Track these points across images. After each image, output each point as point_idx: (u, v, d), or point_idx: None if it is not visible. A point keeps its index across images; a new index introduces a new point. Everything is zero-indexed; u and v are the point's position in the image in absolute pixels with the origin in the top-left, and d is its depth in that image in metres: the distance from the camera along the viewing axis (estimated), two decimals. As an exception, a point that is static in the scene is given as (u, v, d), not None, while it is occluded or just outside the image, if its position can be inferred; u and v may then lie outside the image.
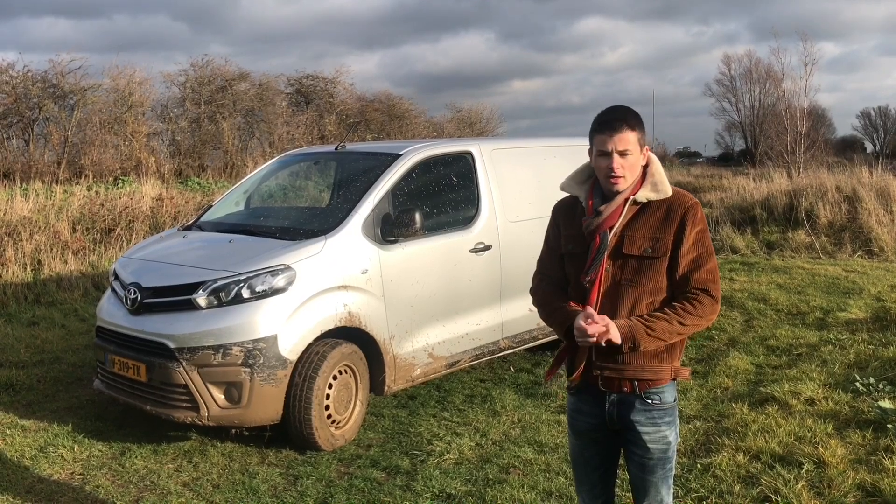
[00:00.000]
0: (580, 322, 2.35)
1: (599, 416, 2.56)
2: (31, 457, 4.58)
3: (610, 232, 2.47)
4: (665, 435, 2.52)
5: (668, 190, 2.49)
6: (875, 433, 4.59)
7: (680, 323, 2.40)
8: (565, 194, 2.68)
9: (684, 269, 2.43)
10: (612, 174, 2.45)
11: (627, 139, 2.43)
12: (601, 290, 2.47)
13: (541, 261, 2.70)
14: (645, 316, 2.41)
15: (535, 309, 2.70)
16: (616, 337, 2.35)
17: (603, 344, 2.36)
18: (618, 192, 2.49)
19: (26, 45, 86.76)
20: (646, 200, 2.49)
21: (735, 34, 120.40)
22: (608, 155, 2.44)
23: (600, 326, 2.33)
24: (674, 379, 2.53)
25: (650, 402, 2.50)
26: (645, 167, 2.54)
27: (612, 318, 2.42)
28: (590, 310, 2.37)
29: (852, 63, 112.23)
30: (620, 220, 2.48)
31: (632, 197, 2.48)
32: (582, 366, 2.51)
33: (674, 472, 2.61)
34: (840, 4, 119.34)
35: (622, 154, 2.43)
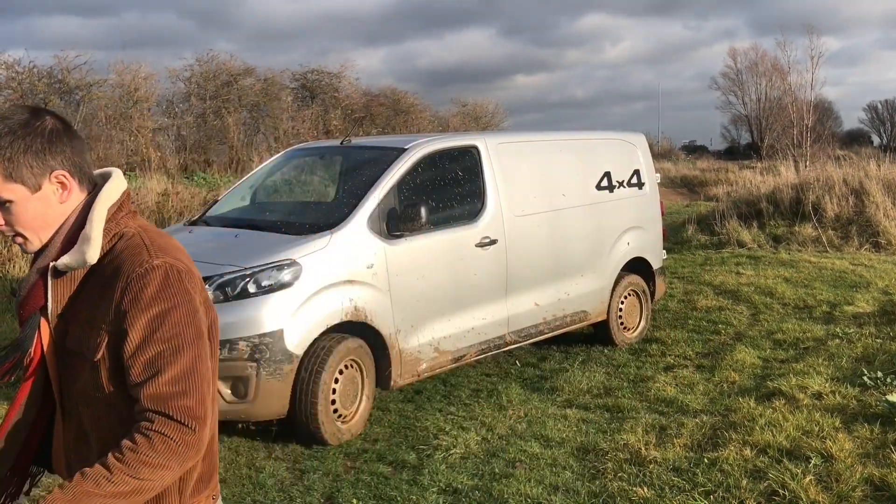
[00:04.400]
0: None
1: None
2: (38, 451, 4.60)
3: (40, 317, 1.58)
4: None
5: (94, 254, 1.55)
6: (883, 427, 4.57)
7: (122, 474, 1.44)
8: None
9: (133, 379, 1.51)
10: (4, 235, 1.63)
11: None
12: (36, 410, 1.65)
13: None
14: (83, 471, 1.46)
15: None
16: None
17: None
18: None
19: (37, 43, 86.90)
20: (64, 269, 1.57)
21: (734, 29, 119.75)
22: None
23: None
24: None
25: None
26: (87, 213, 1.60)
27: (58, 456, 1.69)
28: None
29: (853, 57, 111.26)
30: (52, 299, 1.58)
31: (51, 264, 1.58)
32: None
33: None
34: (838, 0, 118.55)
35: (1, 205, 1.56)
